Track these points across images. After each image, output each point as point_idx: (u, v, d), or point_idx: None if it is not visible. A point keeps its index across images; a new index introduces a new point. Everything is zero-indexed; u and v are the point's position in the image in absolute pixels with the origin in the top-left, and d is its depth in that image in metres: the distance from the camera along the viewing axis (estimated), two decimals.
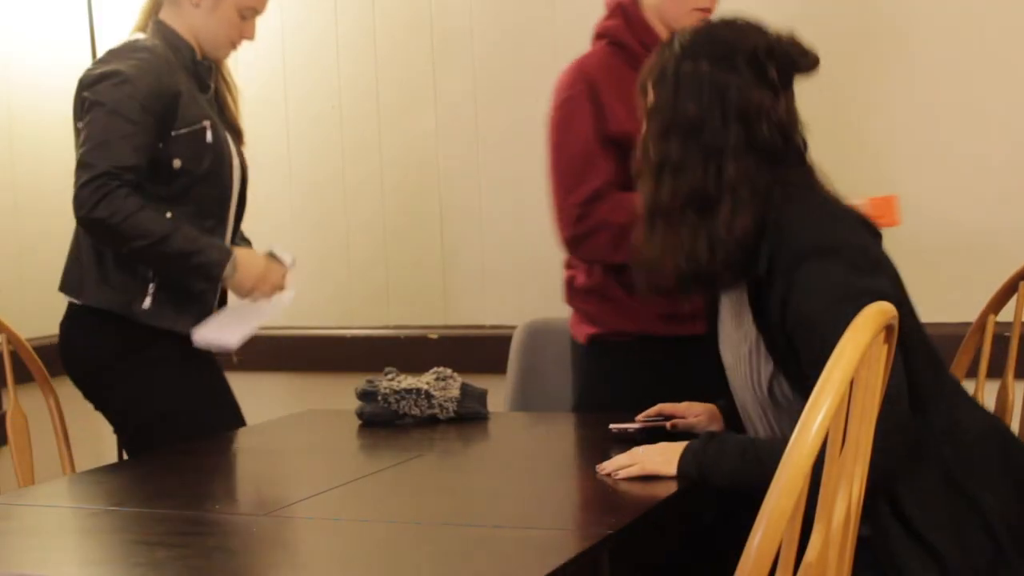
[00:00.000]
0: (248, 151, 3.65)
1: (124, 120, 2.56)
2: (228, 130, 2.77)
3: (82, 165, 2.55)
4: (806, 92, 3.10)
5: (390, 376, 2.59)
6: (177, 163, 2.62)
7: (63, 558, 1.75)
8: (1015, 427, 2.44)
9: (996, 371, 2.45)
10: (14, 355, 2.67)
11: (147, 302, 2.61)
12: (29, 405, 2.68)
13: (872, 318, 1.43)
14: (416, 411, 2.54)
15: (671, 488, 1.94)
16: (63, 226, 3.72)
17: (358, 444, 2.50)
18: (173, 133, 2.61)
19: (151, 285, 2.62)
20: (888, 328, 1.51)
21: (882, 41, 3.06)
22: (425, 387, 2.55)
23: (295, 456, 2.46)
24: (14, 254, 3.55)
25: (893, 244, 2.98)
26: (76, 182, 2.54)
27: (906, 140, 3.06)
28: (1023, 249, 2.87)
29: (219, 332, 2.64)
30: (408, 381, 2.56)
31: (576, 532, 1.73)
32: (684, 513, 2.05)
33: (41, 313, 3.62)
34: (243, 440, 2.59)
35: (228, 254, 2.61)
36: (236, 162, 2.76)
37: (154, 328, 2.62)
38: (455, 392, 2.56)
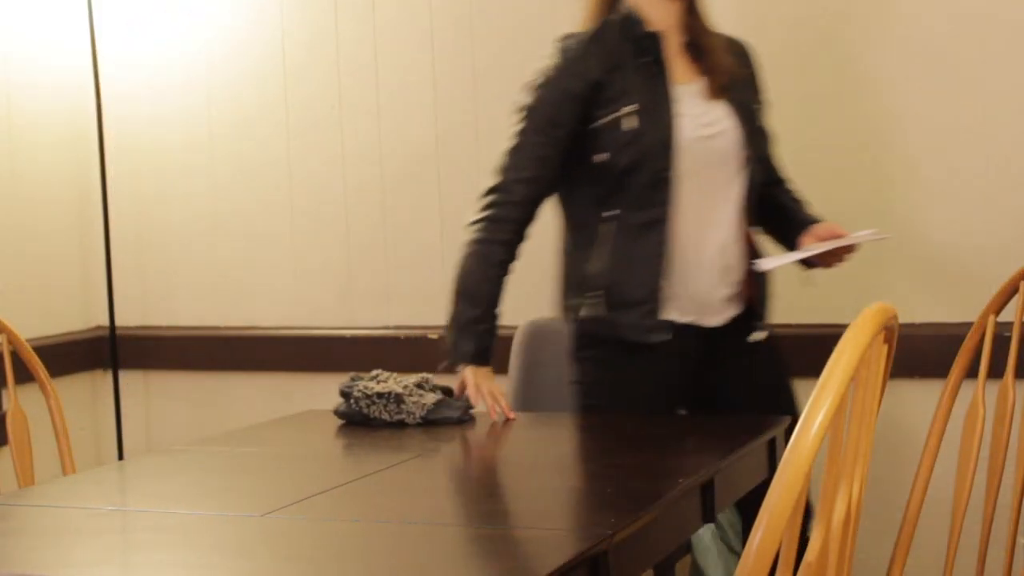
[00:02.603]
0: (248, 151, 3.67)
1: (533, 128, 2.55)
2: (730, 97, 2.59)
3: (496, 169, 2.61)
4: (808, 97, 3.10)
5: (374, 376, 2.59)
6: (599, 158, 2.53)
7: (63, 558, 1.75)
8: (1016, 427, 2.44)
9: (996, 371, 2.45)
10: (14, 355, 2.67)
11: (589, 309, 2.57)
12: (29, 405, 2.68)
13: (872, 318, 1.42)
14: (385, 416, 2.54)
15: (671, 487, 1.94)
16: (63, 226, 3.74)
17: (358, 444, 2.50)
18: (591, 127, 2.53)
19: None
20: (888, 328, 1.51)
21: (881, 42, 3.06)
22: (400, 391, 2.55)
23: (295, 456, 2.46)
24: (14, 254, 3.55)
25: (897, 244, 3.00)
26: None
27: (905, 141, 3.06)
28: (1023, 249, 2.87)
29: (773, 261, 2.57)
30: (390, 383, 2.56)
31: (576, 532, 1.73)
32: (685, 512, 2.05)
33: (41, 313, 3.63)
34: (243, 440, 2.59)
35: (467, 360, 2.55)
36: (692, 134, 2.53)
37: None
38: (429, 400, 2.55)
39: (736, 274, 2.61)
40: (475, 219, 2.60)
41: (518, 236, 2.61)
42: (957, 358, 2.51)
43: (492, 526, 1.84)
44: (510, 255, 2.61)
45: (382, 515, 1.90)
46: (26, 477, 2.59)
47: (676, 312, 2.56)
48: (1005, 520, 2.38)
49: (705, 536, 2.88)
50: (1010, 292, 2.48)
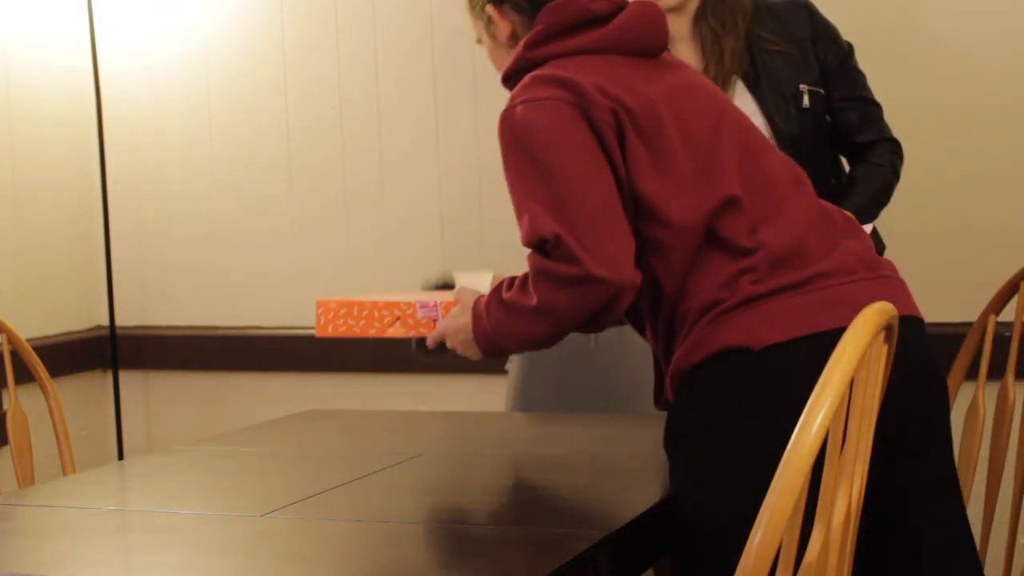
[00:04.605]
0: (248, 151, 3.67)
1: None
2: None
3: None
4: None
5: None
6: None
7: (63, 558, 1.75)
8: (1015, 427, 2.43)
9: (996, 371, 2.45)
10: (14, 355, 2.67)
11: None
12: (29, 405, 2.67)
13: (872, 318, 1.42)
14: None
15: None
16: (63, 226, 3.74)
17: (357, 444, 2.50)
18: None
19: None
20: (888, 328, 1.51)
21: (883, 38, 3.06)
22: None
23: (295, 456, 2.46)
24: (14, 254, 3.55)
25: (895, 243, 2.99)
26: None
27: (905, 139, 3.05)
28: (1023, 249, 2.87)
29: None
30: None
31: (576, 532, 1.73)
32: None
33: (41, 313, 3.63)
34: (243, 440, 2.59)
35: None
36: None
37: None
38: None
39: None
40: None
41: None
42: (957, 358, 2.51)
43: (492, 526, 1.84)
44: None
45: (382, 515, 1.90)
46: (26, 477, 2.59)
47: None
48: (1005, 520, 2.38)
49: None
50: (1010, 292, 2.48)
